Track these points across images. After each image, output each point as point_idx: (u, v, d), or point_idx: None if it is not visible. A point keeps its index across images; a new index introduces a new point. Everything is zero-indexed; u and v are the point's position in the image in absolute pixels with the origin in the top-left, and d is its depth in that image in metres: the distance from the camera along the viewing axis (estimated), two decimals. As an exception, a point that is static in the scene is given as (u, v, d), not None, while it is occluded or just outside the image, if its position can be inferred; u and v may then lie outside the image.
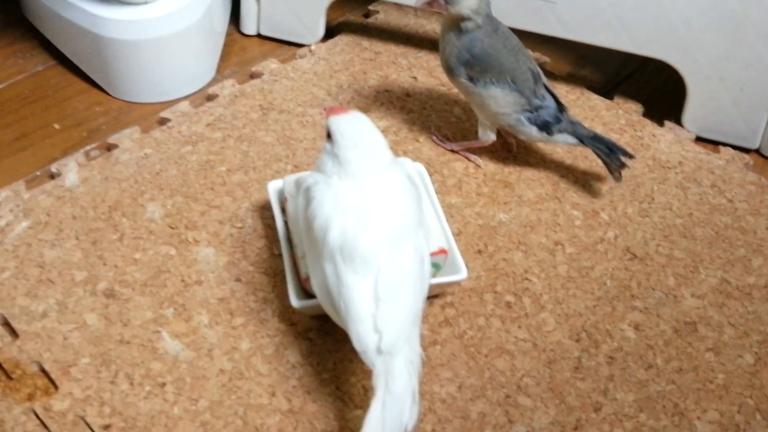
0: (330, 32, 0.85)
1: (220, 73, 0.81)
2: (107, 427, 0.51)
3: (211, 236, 0.63)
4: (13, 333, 0.56)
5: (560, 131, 0.65)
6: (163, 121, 0.74)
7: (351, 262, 0.48)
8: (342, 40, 0.84)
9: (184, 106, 0.75)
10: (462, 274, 0.56)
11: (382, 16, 0.87)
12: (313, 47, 0.83)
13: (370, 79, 0.78)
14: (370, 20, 0.87)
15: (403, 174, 0.52)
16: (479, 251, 0.62)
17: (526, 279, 0.61)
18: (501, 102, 0.64)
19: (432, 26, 0.86)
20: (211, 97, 0.76)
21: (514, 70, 0.64)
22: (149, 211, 0.65)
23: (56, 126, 0.75)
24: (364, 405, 0.52)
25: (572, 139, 0.66)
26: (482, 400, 0.53)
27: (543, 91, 0.66)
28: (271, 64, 0.80)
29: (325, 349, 0.56)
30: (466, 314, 0.58)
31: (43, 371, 0.54)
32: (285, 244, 0.58)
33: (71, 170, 0.68)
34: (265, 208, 0.65)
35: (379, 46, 0.83)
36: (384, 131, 0.72)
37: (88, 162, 0.69)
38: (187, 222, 0.64)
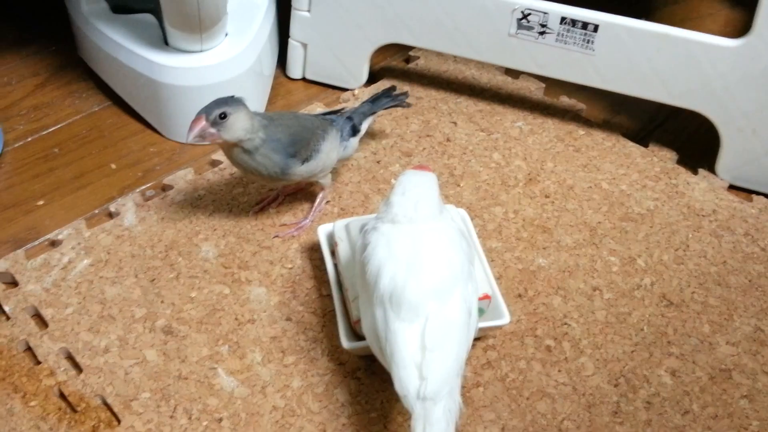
0: (372, 76, 0.88)
1: (268, 116, 0.85)
2: (167, 460, 0.54)
3: (263, 276, 0.66)
4: (77, 367, 0.59)
5: (360, 123, 0.72)
6: (214, 163, 0.77)
7: (399, 309, 0.50)
8: (384, 85, 0.87)
9: (235, 148, 0.79)
10: (505, 319, 0.58)
11: (423, 61, 0.91)
12: (356, 91, 0.86)
13: (411, 123, 0.82)
14: (411, 65, 0.91)
15: (454, 226, 0.55)
16: (519, 295, 0.65)
17: (566, 324, 0.63)
18: (334, 145, 0.68)
19: (470, 72, 0.90)
20: (259, 140, 0.80)
21: (316, 125, 0.67)
22: (204, 251, 0.68)
23: (113, 166, 0.78)
24: (410, 444, 0.54)
25: (369, 120, 0.74)
26: (524, 441, 0.55)
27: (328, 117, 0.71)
28: (317, 108, 0.84)
29: (373, 389, 0.58)
30: (507, 357, 0.60)
31: (106, 404, 0.57)
32: (335, 287, 0.61)
33: (129, 210, 0.71)
34: (313, 250, 0.68)
35: (420, 92, 0.86)
36: (426, 175, 0.75)
37: (145, 202, 0.72)
38: (240, 262, 0.67)
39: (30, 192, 0.75)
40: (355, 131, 0.72)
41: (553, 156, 0.78)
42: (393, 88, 0.77)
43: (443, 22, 0.78)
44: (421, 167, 0.56)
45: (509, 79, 0.89)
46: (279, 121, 0.65)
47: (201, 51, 0.77)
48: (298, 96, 0.88)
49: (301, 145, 0.65)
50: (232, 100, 0.62)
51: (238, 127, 0.62)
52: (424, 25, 0.79)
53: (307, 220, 0.70)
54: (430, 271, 0.51)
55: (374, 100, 0.75)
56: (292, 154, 0.64)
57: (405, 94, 0.76)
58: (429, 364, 0.49)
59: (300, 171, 0.66)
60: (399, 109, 0.83)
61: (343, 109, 0.76)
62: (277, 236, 0.69)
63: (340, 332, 0.58)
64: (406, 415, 0.56)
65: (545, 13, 0.75)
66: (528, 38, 0.76)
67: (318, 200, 0.71)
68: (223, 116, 0.61)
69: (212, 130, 0.61)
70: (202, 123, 0.60)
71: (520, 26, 0.76)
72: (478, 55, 0.79)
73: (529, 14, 0.75)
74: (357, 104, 0.75)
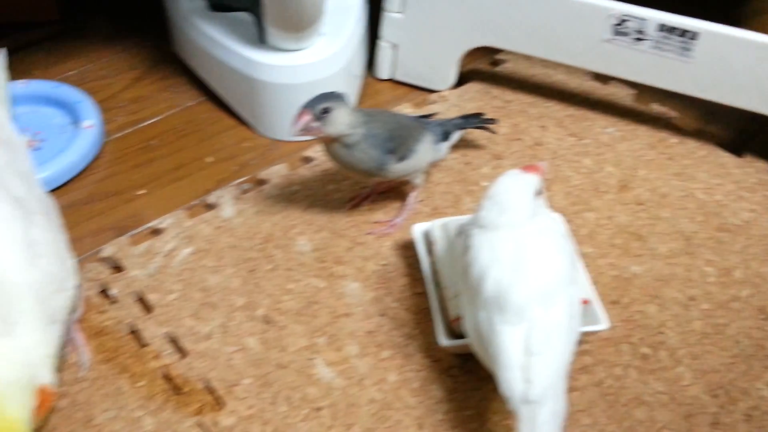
0: (459, 79, 0.89)
1: (357, 115, 0.86)
2: (269, 445, 0.55)
3: (357, 272, 0.67)
4: (181, 351, 0.61)
5: (452, 132, 0.74)
6: (307, 160, 0.79)
7: (504, 313, 0.51)
8: (472, 88, 0.88)
9: (327, 145, 0.80)
10: (603, 325, 0.58)
11: (510, 65, 0.91)
12: (444, 93, 0.87)
13: (501, 126, 0.82)
14: (498, 69, 0.91)
15: (556, 228, 0.55)
16: (614, 302, 0.65)
17: (661, 333, 0.63)
18: (428, 147, 0.70)
19: (559, 77, 0.90)
20: (350, 138, 0.81)
21: (413, 125, 0.69)
22: (299, 245, 0.69)
23: (209, 159, 0.81)
24: (507, 444, 0.55)
25: (459, 132, 0.76)
26: (621, 447, 0.55)
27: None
28: (406, 108, 0.85)
29: (469, 387, 0.59)
30: (603, 363, 0.60)
31: (210, 388, 0.59)
32: (432, 285, 0.62)
33: (227, 202, 0.74)
34: (405, 247, 0.69)
35: (509, 95, 0.87)
36: (516, 179, 0.76)
37: (242, 195, 0.74)
38: (334, 257, 0.68)
39: (131, 181, 0.78)
40: (446, 137, 0.73)
41: (646, 163, 0.78)
42: (482, 114, 0.78)
43: (537, 26, 0.79)
44: (530, 168, 0.56)
45: (598, 84, 0.88)
46: (378, 117, 0.66)
47: (297, 50, 0.79)
48: (385, 96, 0.89)
49: (399, 143, 0.66)
50: (335, 96, 0.63)
51: (340, 122, 0.63)
52: (517, 29, 0.80)
53: (400, 219, 0.71)
54: (536, 274, 0.52)
55: (465, 117, 0.76)
56: (390, 150, 0.65)
57: (493, 120, 0.78)
58: (534, 368, 0.49)
59: (395, 168, 0.67)
60: (489, 112, 0.84)
61: (434, 114, 0.77)
62: (370, 233, 0.70)
63: (437, 330, 0.59)
64: (503, 414, 0.57)
65: (643, 19, 0.74)
66: (623, 44, 0.76)
67: (410, 199, 0.72)
68: (327, 111, 0.62)
69: (316, 124, 0.62)
70: (307, 117, 0.62)
71: (615, 32, 0.76)
72: (571, 59, 0.79)
73: (626, 20, 0.75)
74: (447, 116, 0.77)
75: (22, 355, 0.50)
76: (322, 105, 0.62)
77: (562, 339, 0.51)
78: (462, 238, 0.56)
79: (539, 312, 0.51)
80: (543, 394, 0.49)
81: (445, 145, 0.73)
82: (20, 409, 0.49)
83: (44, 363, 0.51)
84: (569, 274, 0.53)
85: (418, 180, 0.71)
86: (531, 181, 0.56)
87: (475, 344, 0.53)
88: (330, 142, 0.65)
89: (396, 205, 0.74)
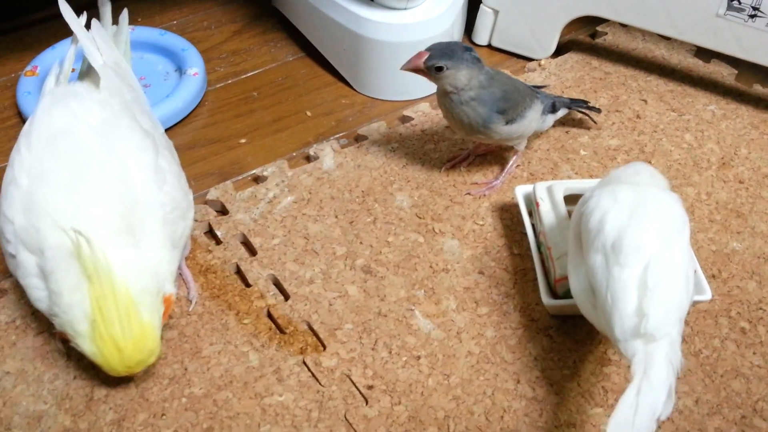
0: (557, 49, 0.89)
1: (453, 79, 0.87)
2: (370, 387, 0.57)
3: (455, 230, 0.68)
4: (284, 293, 0.64)
5: (560, 107, 0.74)
6: (405, 119, 0.80)
7: (620, 253, 0.50)
8: (572, 58, 0.87)
9: (425, 106, 0.81)
10: (707, 295, 0.58)
11: (611, 37, 0.90)
12: (542, 62, 0.87)
13: (600, 98, 0.82)
14: (598, 41, 0.91)
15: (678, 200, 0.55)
16: (713, 276, 0.65)
17: (761, 309, 0.62)
18: (536, 116, 0.70)
19: (660, 51, 0.89)
20: (448, 101, 0.82)
21: (527, 92, 0.69)
22: (398, 200, 0.71)
23: (308, 113, 0.82)
24: (604, 405, 0.56)
25: (564, 110, 0.76)
26: (718, 417, 0.55)
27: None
28: (504, 75, 0.85)
29: (565, 347, 0.60)
30: (701, 334, 0.60)
31: (312, 330, 0.61)
32: (534, 246, 0.63)
33: (327, 155, 0.75)
34: (503, 209, 0.70)
35: (609, 67, 0.86)
36: (615, 150, 0.76)
37: (342, 149, 0.76)
38: (433, 214, 0.70)
39: (232, 130, 0.80)
40: (554, 110, 0.74)
41: (748, 143, 0.77)
42: (589, 102, 0.78)
43: (647, -3, 0.78)
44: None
45: (700, 62, 0.87)
46: (497, 78, 0.67)
47: (405, 9, 0.79)
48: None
49: (510, 105, 0.66)
50: (458, 54, 0.63)
51: (450, 82, 0.64)
52: (626, 0, 0.79)
53: (498, 181, 0.72)
54: (654, 217, 0.52)
55: (573, 100, 0.76)
56: (501, 110, 0.66)
57: (598, 110, 0.78)
58: (650, 301, 0.48)
59: (501, 130, 0.67)
60: (588, 83, 0.84)
61: (544, 87, 0.78)
62: (468, 194, 0.71)
63: (540, 289, 0.60)
64: (599, 376, 0.58)
65: (760, -5, 0.73)
66: (737, 20, 0.75)
67: (511, 163, 0.72)
68: (440, 69, 0.63)
69: (425, 72, 0.64)
70: (418, 64, 0.63)
71: (730, 7, 0.75)
72: (680, 34, 0.78)
73: (742, -5, 0.74)
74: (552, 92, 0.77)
75: (152, 266, 0.53)
76: (437, 62, 0.63)
77: (680, 277, 0.50)
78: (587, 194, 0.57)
79: (658, 250, 0.50)
80: (659, 326, 0.48)
81: (552, 117, 0.74)
82: (152, 315, 0.52)
83: (167, 278, 0.54)
84: (686, 231, 0.53)
85: (521, 146, 0.71)
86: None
87: (582, 298, 0.53)
88: (441, 93, 0.66)
89: (493, 168, 0.74)
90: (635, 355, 0.48)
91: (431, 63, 0.63)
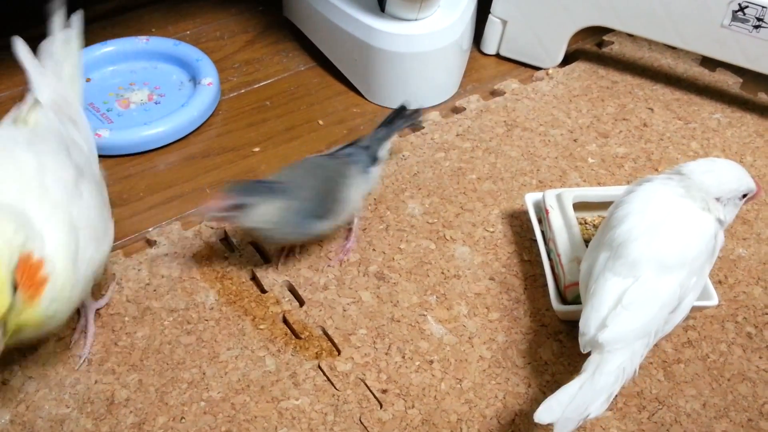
0: (564, 59, 0.90)
1: (462, 88, 0.88)
2: (384, 391, 0.58)
3: (466, 236, 0.70)
4: (299, 299, 0.65)
5: (378, 151, 0.70)
6: (415, 129, 0.82)
7: (618, 261, 0.53)
8: (579, 67, 0.89)
9: (435, 115, 0.83)
10: (714, 301, 0.60)
11: (617, 47, 0.92)
12: (550, 71, 0.88)
13: (607, 106, 0.83)
14: (605, 50, 0.92)
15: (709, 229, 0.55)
16: (719, 281, 0.66)
17: (767, 314, 0.63)
18: (359, 187, 0.67)
19: (666, 60, 0.90)
20: (457, 110, 0.84)
21: (337, 172, 0.66)
22: (410, 207, 0.72)
23: (320, 122, 0.84)
24: (612, 408, 0.57)
25: (387, 145, 0.71)
26: (725, 419, 0.57)
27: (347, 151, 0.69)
28: (512, 84, 0.87)
29: (575, 351, 0.61)
30: (708, 339, 0.62)
31: (327, 335, 0.62)
32: (544, 252, 0.64)
33: (340, 163, 0.77)
34: (513, 216, 0.71)
35: (616, 76, 0.88)
36: (622, 158, 0.77)
37: (354, 157, 0.78)
38: (444, 221, 0.71)
39: (246, 139, 0.82)
40: (374, 161, 0.70)
41: (753, 150, 0.78)
42: (404, 107, 0.74)
43: (654, 8, 0.79)
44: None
45: (705, 70, 0.89)
46: (304, 184, 0.63)
47: (415, 20, 0.81)
48: (490, 72, 0.91)
49: (325, 208, 0.64)
50: (259, 190, 0.60)
51: (256, 220, 0.60)
52: (632, 10, 0.80)
53: (351, 242, 0.69)
54: (667, 241, 0.53)
55: (389, 122, 0.73)
56: (319, 216, 0.63)
57: (418, 112, 0.75)
58: (615, 317, 0.51)
59: (328, 227, 0.65)
60: (595, 91, 0.85)
61: (359, 139, 0.71)
62: (330, 266, 0.67)
63: (551, 295, 0.61)
64: (609, 380, 0.59)
65: (764, 7, 0.74)
66: (741, 31, 0.76)
67: (355, 222, 0.70)
68: (242, 207, 0.60)
69: (229, 213, 0.60)
70: (220, 205, 0.59)
71: (734, 18, 0.76)
72: (685, 44, 0.80)
73: (747, 7, 0.75)
74: (371, 132, 0.72)
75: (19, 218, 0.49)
76: (237, 201, 0.59)
77: (655, 309, 0.51)
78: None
79: (649, 274, 0.52)
80: (611, 342, 0.50)
81: (376, 170, 0.70)
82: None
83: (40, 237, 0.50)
84: (697, 264, 0.53)
85: (357, 217, 0.70)
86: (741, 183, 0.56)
87: (584, 278, 0.55)
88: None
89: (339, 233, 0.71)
90: (592, 354, 0.51)
91: (232, 202, 0.59)
